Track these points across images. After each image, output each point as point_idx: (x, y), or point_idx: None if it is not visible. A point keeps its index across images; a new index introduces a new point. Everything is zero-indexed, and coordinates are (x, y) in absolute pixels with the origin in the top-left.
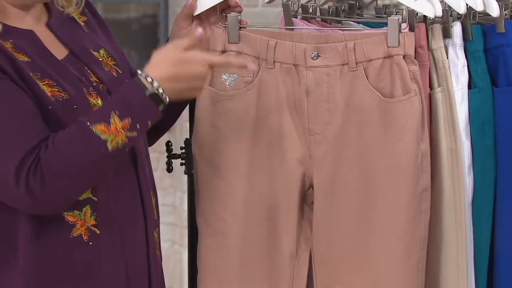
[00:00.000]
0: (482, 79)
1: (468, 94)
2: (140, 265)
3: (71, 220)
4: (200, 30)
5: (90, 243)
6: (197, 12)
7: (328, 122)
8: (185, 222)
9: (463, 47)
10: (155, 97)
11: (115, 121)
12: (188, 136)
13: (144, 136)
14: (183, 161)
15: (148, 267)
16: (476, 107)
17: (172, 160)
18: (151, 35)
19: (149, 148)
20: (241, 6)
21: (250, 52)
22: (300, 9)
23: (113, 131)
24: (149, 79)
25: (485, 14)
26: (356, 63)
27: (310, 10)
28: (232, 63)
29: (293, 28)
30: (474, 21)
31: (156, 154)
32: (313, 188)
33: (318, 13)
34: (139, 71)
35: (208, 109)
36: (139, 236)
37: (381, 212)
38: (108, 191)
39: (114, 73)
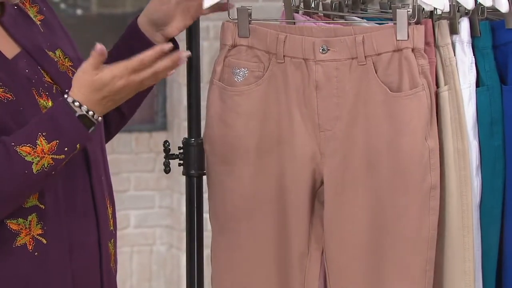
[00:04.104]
0: (490, 77)
1: (476, 93)
2: (91, 278)
3: (15, 228)
4: (99, 45)
5: (36, 253)
6: (206, 5)
7: (338, 117)
8: (183, 225)
9: (470, 44)
10: (85, 119)
11: (42, 143)
12: (186, 136)
13: (102, 142)
14: (181, 162)
15: (101, 280)
16: (484, 106)
17: (170, 160)
18: None
19: (146, 148)
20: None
21: (260, 46)
22: (302, 3)
23: (39, 153)
24: (77, 103)
25: (493, 9)
26: (365, 56)
27: (313, 5)
28: (148, 58)
29: (294, 22)
30: (482, 17)
31: (153, 154)
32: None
33: (320, 8)
34: (65, 95)
35: (218, 105)
36: (91, 247)
37: (388, 209)
38: (57, 199)
39: (70, 75)
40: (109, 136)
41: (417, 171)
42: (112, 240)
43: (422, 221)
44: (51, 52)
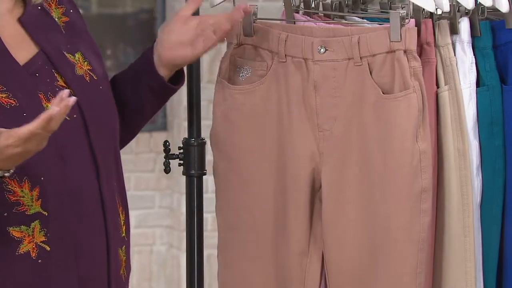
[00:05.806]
0: (490, 77)
1: (476, 93)
2: (98, 285)
3: (18, 236)
4: None
5: (39, 261)
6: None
7: (336, 117)
8: (183, 225)
9: (471, 44)
10: None
11: None
12: (186, 136)
13: (116, 146)
14: (181, 162)
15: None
16: (484, 106)
17: (170, 160)
18: (147, 30)
19: (147, 148)
20: None
21: (264, 46)
22: (302, 3)
23: None
24: None
25: (494, 9)
26: (360, 57)
27: (313, 5)
28: (38, 129)
29: (294, 21)
30: (482, 17)
31: (153, 154)
32: None
33: (320, 8)
34: None
35: (221, 103)
36: (98, 254)
37: (380, 211)
38: (62, 205)
39: (87, 79)
40: (130, 135)
41: (406, 173)
42: (123, 247)
43: (413, 223)
44: (70, 55)
